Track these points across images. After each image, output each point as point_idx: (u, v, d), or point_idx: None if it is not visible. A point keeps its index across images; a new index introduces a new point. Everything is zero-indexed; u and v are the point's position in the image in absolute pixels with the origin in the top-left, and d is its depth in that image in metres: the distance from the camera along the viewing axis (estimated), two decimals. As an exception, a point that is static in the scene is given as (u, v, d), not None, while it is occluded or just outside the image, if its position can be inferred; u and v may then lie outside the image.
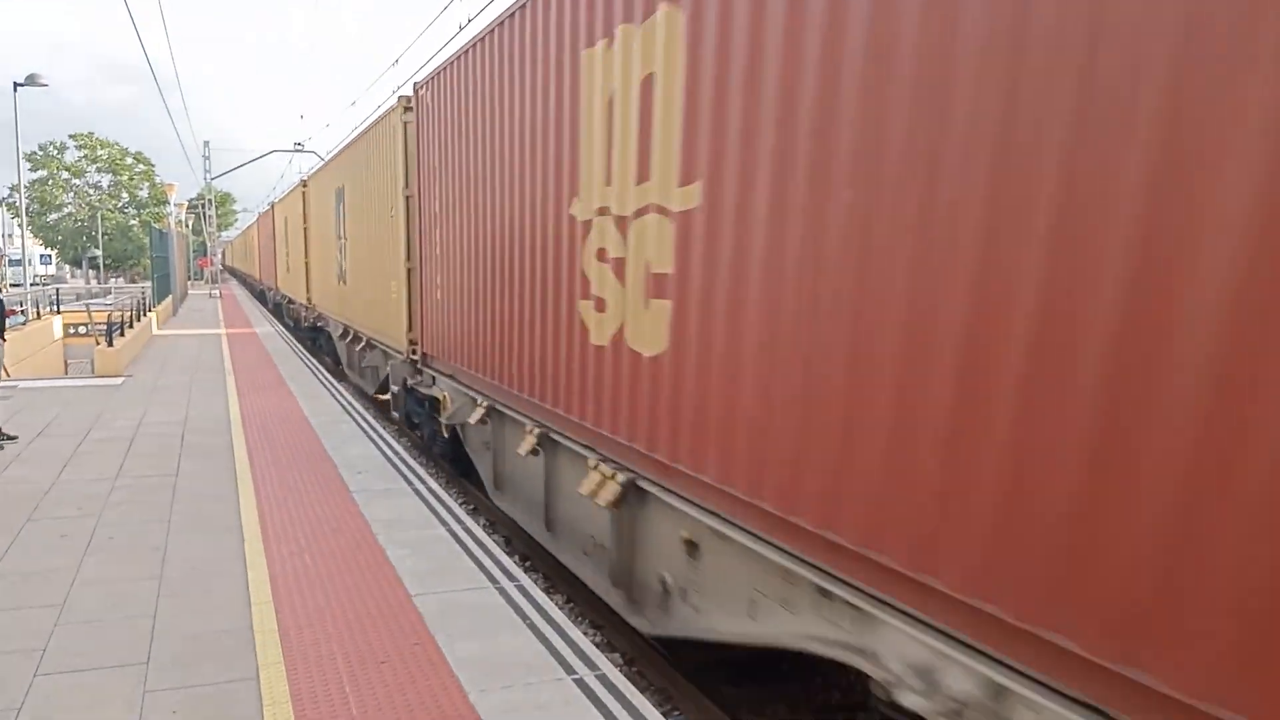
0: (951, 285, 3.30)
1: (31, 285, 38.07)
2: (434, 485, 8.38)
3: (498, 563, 6.27)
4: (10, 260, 57.57)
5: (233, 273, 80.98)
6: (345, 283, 17.70)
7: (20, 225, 43.75)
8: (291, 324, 29.38)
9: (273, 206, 36.37)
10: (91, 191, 75.60)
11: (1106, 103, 2.72)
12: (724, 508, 4.92)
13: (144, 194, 77.85)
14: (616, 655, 6.65)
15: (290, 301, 29.98)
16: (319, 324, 22.78)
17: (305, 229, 23.99)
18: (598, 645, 6.67)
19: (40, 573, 5.98)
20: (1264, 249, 2.37)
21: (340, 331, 18.86)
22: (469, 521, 7.24)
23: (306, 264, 24.12)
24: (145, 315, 23.56)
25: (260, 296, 45.58)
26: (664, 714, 5.40)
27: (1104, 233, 2.75)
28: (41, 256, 77.84)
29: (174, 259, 35.88)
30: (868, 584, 3.87)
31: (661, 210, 5.31)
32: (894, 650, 3.75)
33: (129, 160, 76.89)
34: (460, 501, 9.51)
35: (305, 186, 24.21)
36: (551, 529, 7.64)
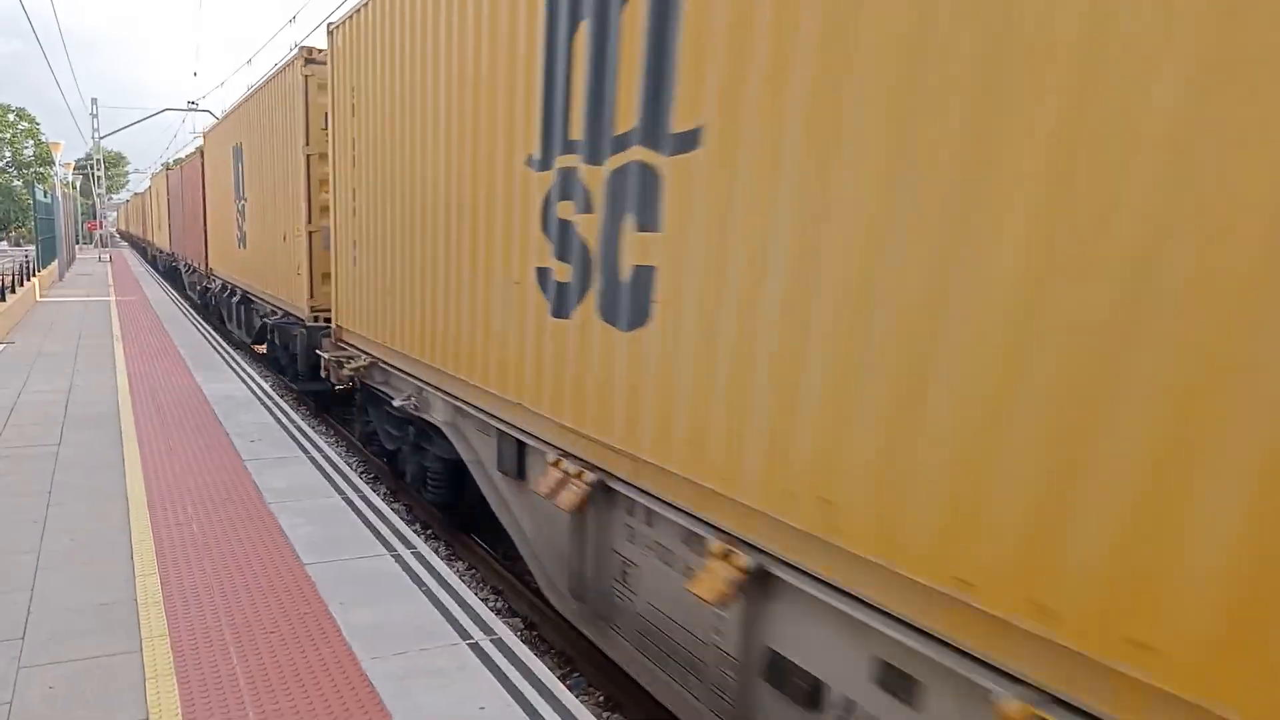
0: None
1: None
2: (331, 453, 8.24)
3: (395, 530, 6.21)
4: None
5: (129, 239, 76.23)
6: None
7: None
8: (249, 337, 16.08)
9: (204, 138, 21.25)
10: (-30, 150, 71.61)
11: None
12: None
13: (29, 153, 74.00)
14: (516, 620, 6.67)
15: (249, 301, 15.93)
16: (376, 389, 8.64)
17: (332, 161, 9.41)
18: (497, 611, 6.69)
19: (-94, 548, 5.69)
20: None
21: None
22: (367, 490, 7.14)
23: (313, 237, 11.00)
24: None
25: (171, 275, 33.79)
26: (561, 677, 5.47)
27: None
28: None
29: (60, 222, 34.10)
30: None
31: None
32: None
33: (11, 117, 73.00)
34: (360, 471, 9.40)
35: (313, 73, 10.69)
36: None
